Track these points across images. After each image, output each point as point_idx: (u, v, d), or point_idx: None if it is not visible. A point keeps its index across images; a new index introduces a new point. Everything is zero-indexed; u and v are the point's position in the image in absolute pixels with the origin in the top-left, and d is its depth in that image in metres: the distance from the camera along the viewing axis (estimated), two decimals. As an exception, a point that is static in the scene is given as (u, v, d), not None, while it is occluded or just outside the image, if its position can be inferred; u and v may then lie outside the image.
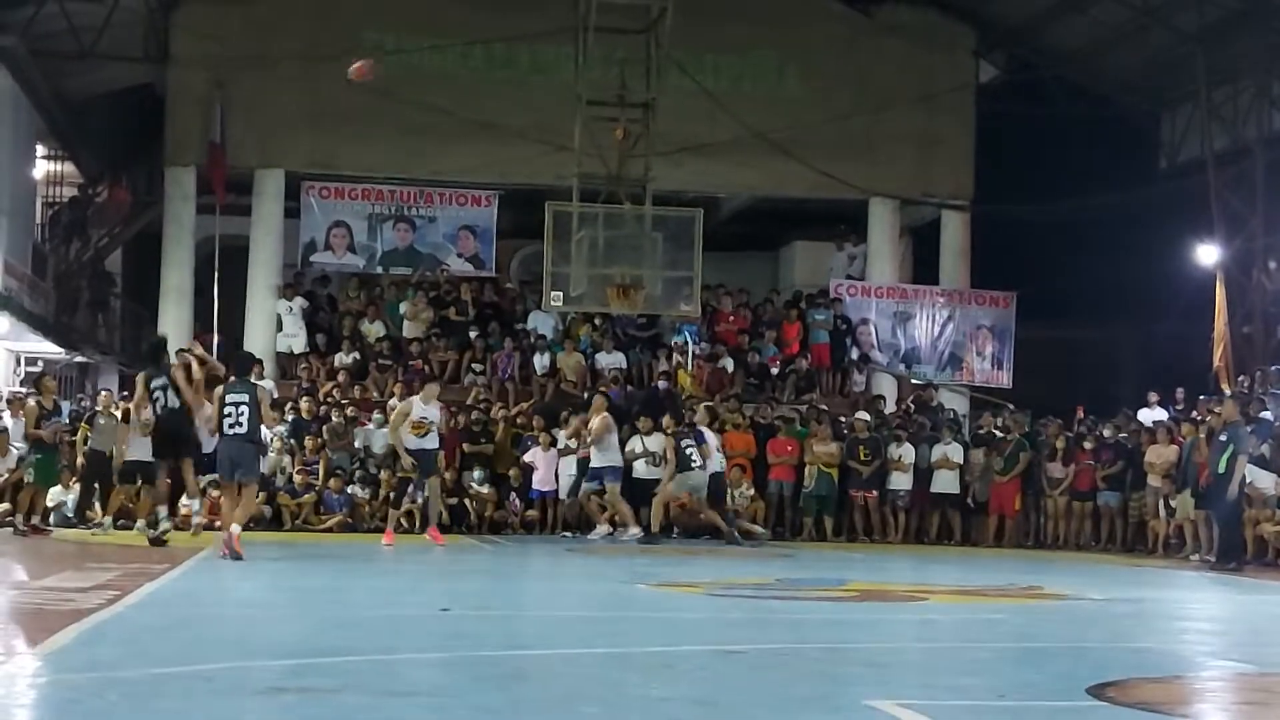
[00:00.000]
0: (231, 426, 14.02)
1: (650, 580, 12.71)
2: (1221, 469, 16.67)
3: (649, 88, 21.00)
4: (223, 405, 14.15)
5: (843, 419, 22.96)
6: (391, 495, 19.03)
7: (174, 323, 24.91)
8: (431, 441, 17.58)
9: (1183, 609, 11.94)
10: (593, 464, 19.88)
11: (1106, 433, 20.86)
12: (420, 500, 18.85)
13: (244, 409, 14.00)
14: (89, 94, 25.60)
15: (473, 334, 24.68)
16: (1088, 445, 20.90)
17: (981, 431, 22.82)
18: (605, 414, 19.84)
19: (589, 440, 19.90)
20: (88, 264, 26.75)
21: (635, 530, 19.14)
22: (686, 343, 24.66)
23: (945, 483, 21.65)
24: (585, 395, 22.08)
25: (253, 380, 15.35)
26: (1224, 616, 11.63)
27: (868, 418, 22.71)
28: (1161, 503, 19.43)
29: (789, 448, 21.60)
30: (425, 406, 17.69)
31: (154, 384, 15.70)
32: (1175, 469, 19.15)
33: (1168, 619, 10.95)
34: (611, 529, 19.71)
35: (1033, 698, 6.30)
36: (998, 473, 21.28)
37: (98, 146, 27.05)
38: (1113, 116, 25.94)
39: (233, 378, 14.60)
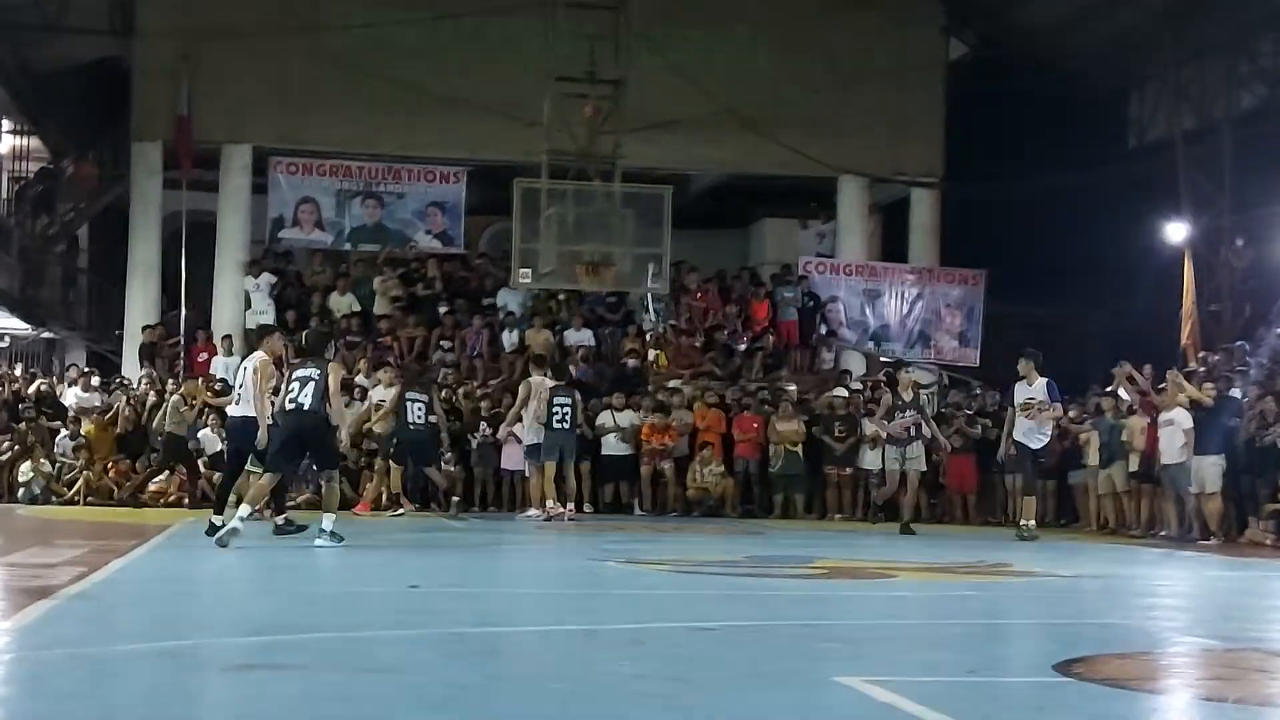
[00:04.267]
0: (292, 401, 13.06)
1: (620, 557, 12.72)
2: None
3: (619, 64, 20.93)
4: (289, 382, 13.25)
5: (809, 396, 23.03)
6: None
7: (141, 299, 24.81)
8: (388, 425, 18.23)
9: (1151, 585, 12.01)
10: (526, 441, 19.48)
11: (1073, 412, 20.95)
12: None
13: (310, 385, 13.01)
14: (55, 67, 25.39)
15: (441, 310, 24.61)
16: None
17: (945, 410, 22.90)
18: (529, 388, 19.07)
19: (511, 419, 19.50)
20: (55, 239, 26.56)
21: (536, 511, 18.66)
22: (656, 320, 24.67)
23: (913, 461, 21.68)
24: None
25: (326, 358, 14.10)
26: (1191, 593, 11.70)
27: (845, 394, 22.77)
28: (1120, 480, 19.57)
29: (754, 425, 21.64)
30: (385, 390, 18.44)
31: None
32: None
33: (1135, 595, 11.02)
34: (543, 509, 18.83)
35: (1001, 674, 6.33)
36: (954, 450, 21.34)
37: (64, 120, 26.84)
38: (1082, 95, 25.99)
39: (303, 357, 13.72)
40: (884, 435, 18.32)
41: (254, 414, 13.67)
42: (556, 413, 18.57)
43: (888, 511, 19.32)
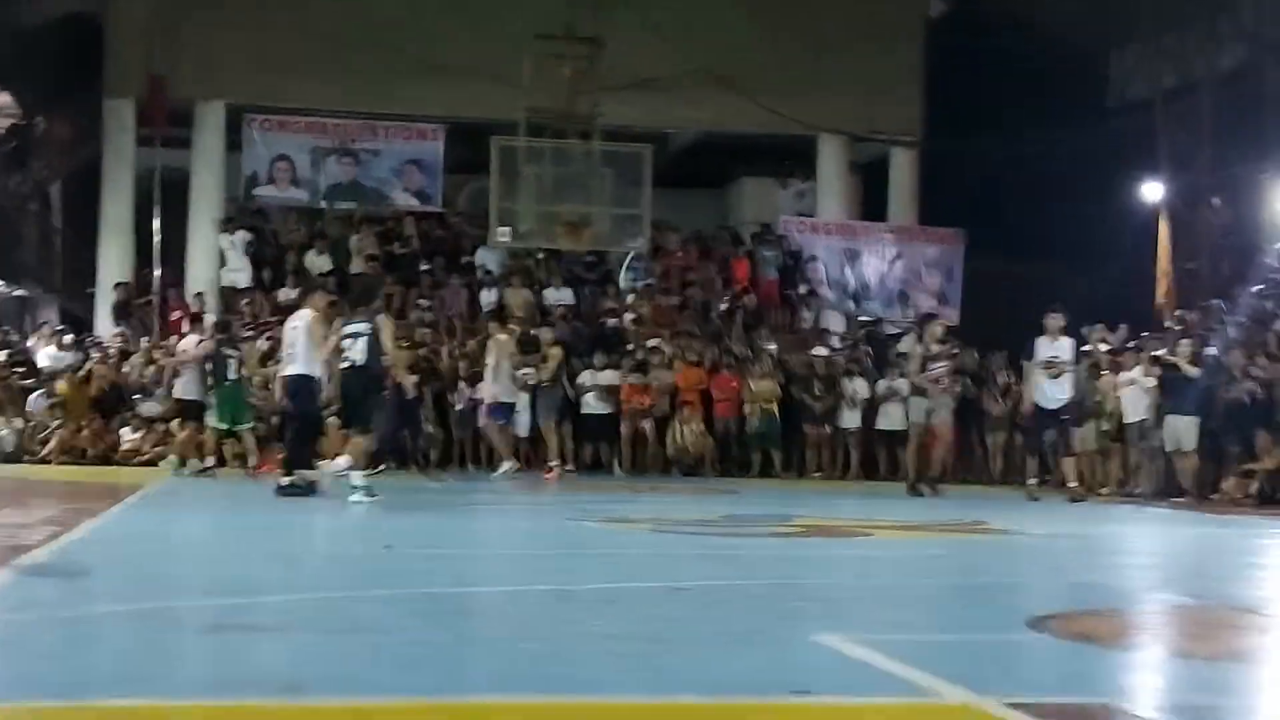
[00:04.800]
0: (346, 359, 13.20)
1: (596, 517, 12.72)
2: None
3: (597, 22, 20.81)
4: (341, 339, 13.32)
5: (787, 355, 23.05)
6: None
7: (115, 257, 24.67)
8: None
9: (1124, 543, 12.08)
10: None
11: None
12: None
13: (361, 340, 13.14)
14: (26, 23, 25.13)
15: (422, 268, 24.52)
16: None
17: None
18: (499, 345, 19.04)
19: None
20: (28, 197, 26.38)
21: (510, 464, 18.84)
22: (632, 279, 24.65)
23: (890, 420, 21.77)
24: (532, 331, 22.03)
25: (373, 310, 14.10)
26: (1165, 551, 11.77)
27: (825, 353, 22.80)
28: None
29: (733, 384, 21.66)
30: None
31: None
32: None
33: (1109, 553, 11.07)
34: (518, 464, 19.28)
35: (974, 631, 6.35)
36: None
37: (35, 77, 26.59)
38: (1062, 53, 25.90)
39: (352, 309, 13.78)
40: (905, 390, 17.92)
41: (308, 372, 13.74)
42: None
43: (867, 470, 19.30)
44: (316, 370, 13.79)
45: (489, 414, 19.20)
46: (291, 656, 5.14)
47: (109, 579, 7.41)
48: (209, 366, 17.85)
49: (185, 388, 18.08)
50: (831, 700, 4.56)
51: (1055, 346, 16.43)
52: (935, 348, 17.21)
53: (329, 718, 4.16)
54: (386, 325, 13.55)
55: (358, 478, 13.12)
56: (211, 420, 18.15)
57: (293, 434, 14.47)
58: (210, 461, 17.89)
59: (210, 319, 20.86)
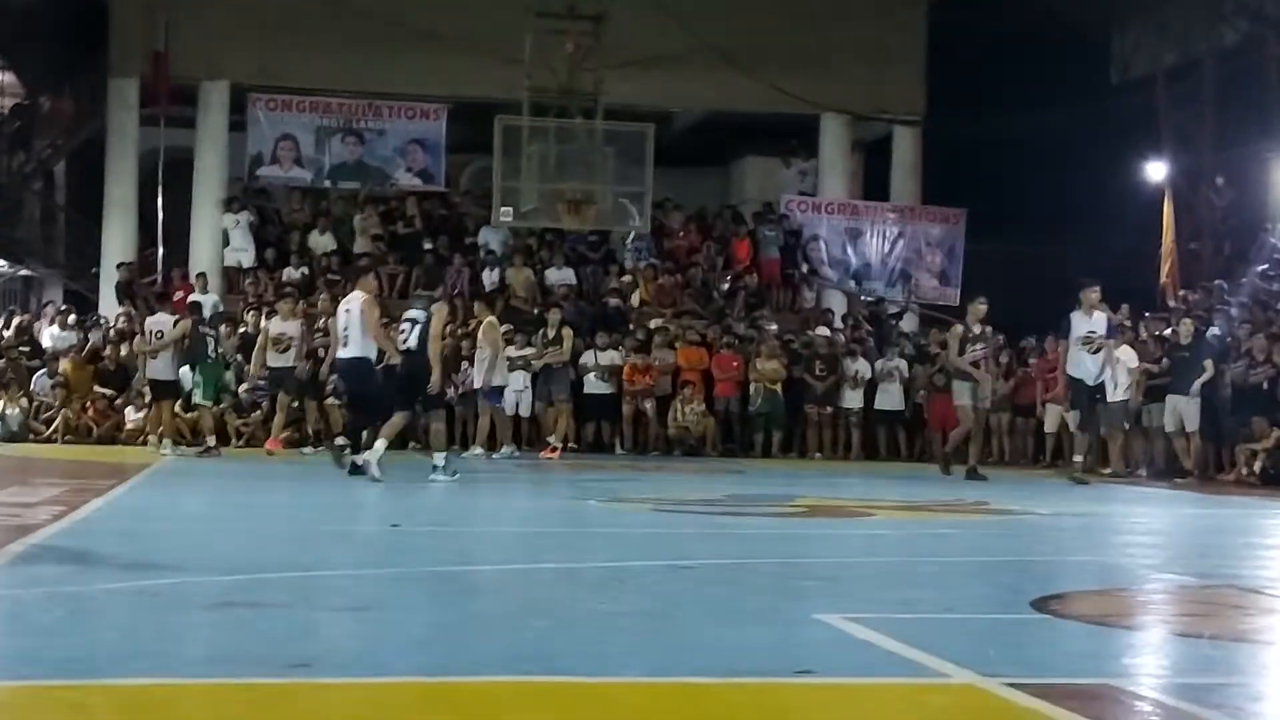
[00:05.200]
0: (404, 343, 13.69)
1: (600, 496, 12.75)
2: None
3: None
4: (400, 322, 13.99)
5: (790, 335, 23.05)
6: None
7: (119, 236, 24.67)
8: (289, 359, 17.88)
9: (1128, 523, 12.09)
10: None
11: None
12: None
13: (417, 328, 13.62)
14: (30, 2, 25.08)
15: (425, 247, 24.51)
16: (1032, 361, 21.06)
17: (924, 345, 22.94)
18: (486, 327, 18.93)
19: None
20: (31, 176, 26.37)
21: (509, 449, 19.18)
22: (635, 259, 24.65)
23: (889, 399, 21.79)
24: (535, 311, 22.03)
25: (434, 297, 14.80)
26: (1168, 530, 11.78)
27: (827, 333, 22.80)
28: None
29: (734, 364, 21.66)
30: (284, 323, 18.01)
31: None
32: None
33: (1113, 533, 11.08)
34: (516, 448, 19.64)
35: (978, 610, 6.37)
36: (937, 388, 21.37)
37: (39, 56, 26.56)
38: (1065, 31, 25.88)
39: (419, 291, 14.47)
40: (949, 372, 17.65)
41: (363, 354, 14.01)
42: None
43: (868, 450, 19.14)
44: (372, 352, 14.10)
45: (486, 398, 19.30)
46: (300, 634, 5.17)
47: (115, 557, 7.44)
48: (186, 344, 18.01)
49: (159, 368, 18.09)
50: (835, 680, 4.58)
51: (1092, 321, 15.87)
52: (977, 328, 16.70)
53: (337, 695, 4.18)
54: (438, 314, 13.94)
55: (439, 458, 13.75)
56: (197, 397, 18.45)
57: (354, 416, 14.96)
58: (211, 441, 17.97)
59: (179, 297, 20.94)
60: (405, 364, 13.69)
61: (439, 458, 13.73)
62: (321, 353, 18.11)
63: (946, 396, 21.31)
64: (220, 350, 18.84)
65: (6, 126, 25.95)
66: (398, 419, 13.90)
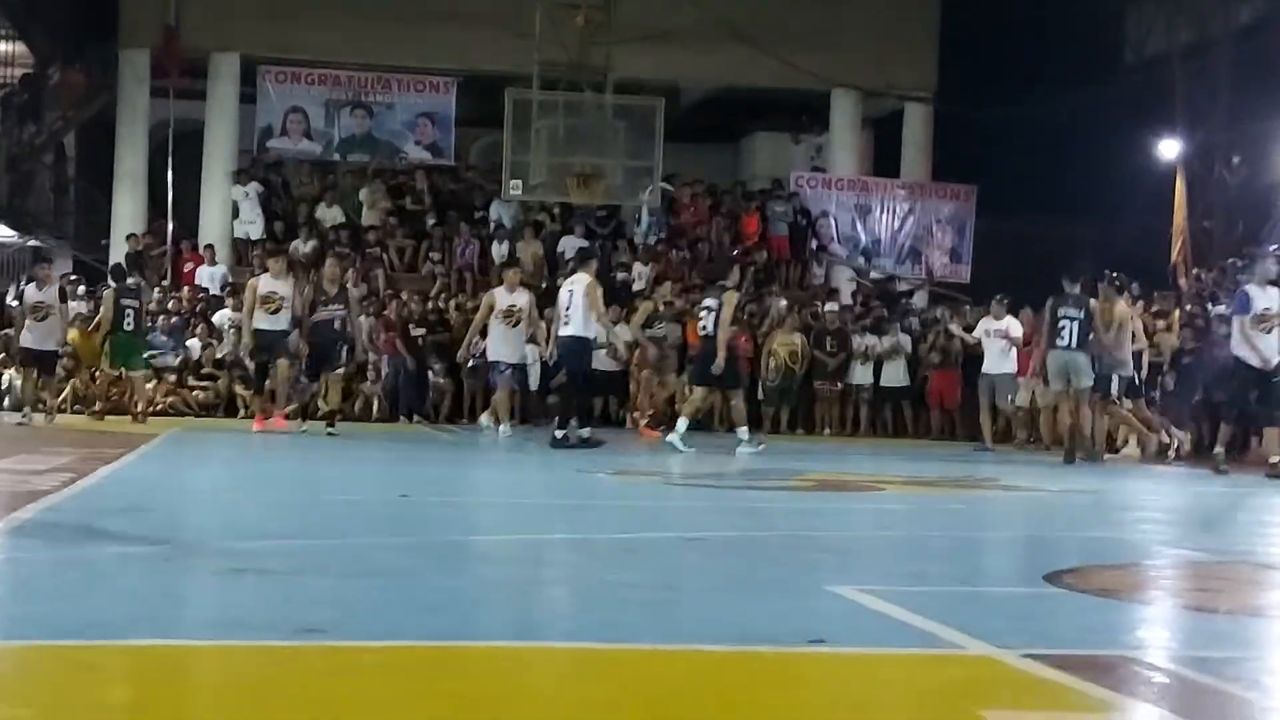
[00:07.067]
0: (703, 329, 14.78)
1: (610, 469, 12.73)
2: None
3: (610, -27, 20.72)
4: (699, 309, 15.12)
5: (799, 310, 23.00)
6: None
7: (128, 208, 24.67)
8: (281, 322, 16.50)
9: (1140, 499, 12.05)
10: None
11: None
12: (314, 389, 18.34)
13: (713, 314, 14.69)
14: (40, -28, 25.09)
15: (430, 222, 24.47)
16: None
17: (928, 319, 22.91)
18: (492, 299, 17.53)
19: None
20: (42, 147, 26.34)
21: (505, 428, 17.92)
22: (645, 233, 24.59)
23: (893, 375, 21.74)
24: (544, 285, 21.97)
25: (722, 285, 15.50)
26: (1180, 507, 11.74)
27: (837, 309, 22.76)
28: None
29: (743, 339, 21.59)
30: (275, 281, 16.64)
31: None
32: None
33: (1125, 509, 11.04)
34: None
35: (991, 584, 6.35)
36: (935, 365, 21.34)
37: (50, 27, 26.50)
38: (1079, 8, 25.76)
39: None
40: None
41: (583, 334, 14.68)
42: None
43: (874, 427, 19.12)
44: (591, 332, 14.77)
45: (500, 372, 18.82)
46: (310, 600, 5.15)
47: (124, 523, 7.42)
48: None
49: (31, 339, 18.07)
50: (849, 650, 4.55)
51: (1267, 296, 14.44)
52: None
53: (349, 657, 4.16)
54: (728, 302, 14.75)
55: (743, 432, 14.95)
56: (104, 366, 19.29)
57: (566, 393, 15.62)
58: (140, 407, 18.74)
59: (189, 269, 21.08)
60: (701, 347, 14.91)
61: (743, 431, 14.82)
62: (337, 324, 16.72)
63: (948, 373, 21.35)
64: (141, 321, 19.15)
65: (17, 98, 25.89)
66: (736, 401, 15.52)
